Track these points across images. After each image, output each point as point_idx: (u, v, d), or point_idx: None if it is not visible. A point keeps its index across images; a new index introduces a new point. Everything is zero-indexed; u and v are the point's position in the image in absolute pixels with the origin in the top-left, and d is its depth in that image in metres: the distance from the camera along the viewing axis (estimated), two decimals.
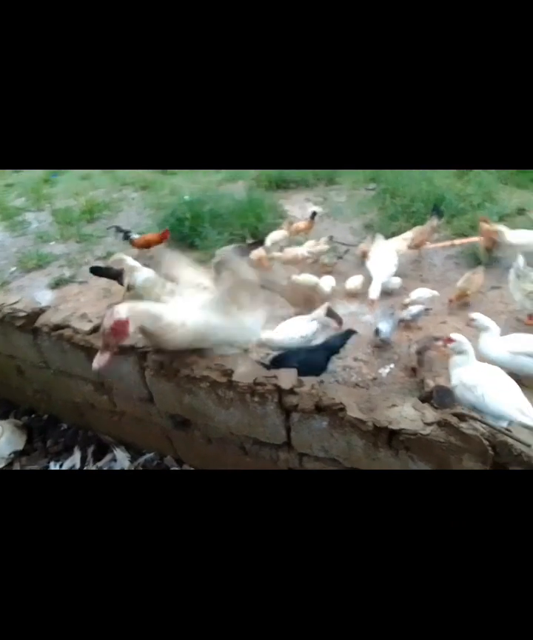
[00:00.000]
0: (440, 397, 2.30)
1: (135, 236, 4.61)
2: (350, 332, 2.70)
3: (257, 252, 4.21)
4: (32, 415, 2.73)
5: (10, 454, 2.50)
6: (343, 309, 3.52)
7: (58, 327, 1.86)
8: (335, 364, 2.84)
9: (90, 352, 1.83)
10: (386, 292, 3.68)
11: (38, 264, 4.92)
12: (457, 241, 4.46)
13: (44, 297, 4.27)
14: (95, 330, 1.76)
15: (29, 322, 1.95)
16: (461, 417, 1.63)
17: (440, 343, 2.33)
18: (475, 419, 1.68)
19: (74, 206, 6.33)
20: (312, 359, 2.17)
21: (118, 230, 4.77)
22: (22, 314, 1.96)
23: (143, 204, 6.30)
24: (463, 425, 1.53)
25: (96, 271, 3.87)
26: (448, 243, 4.48)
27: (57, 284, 4.49)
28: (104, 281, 4.45)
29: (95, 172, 7.88)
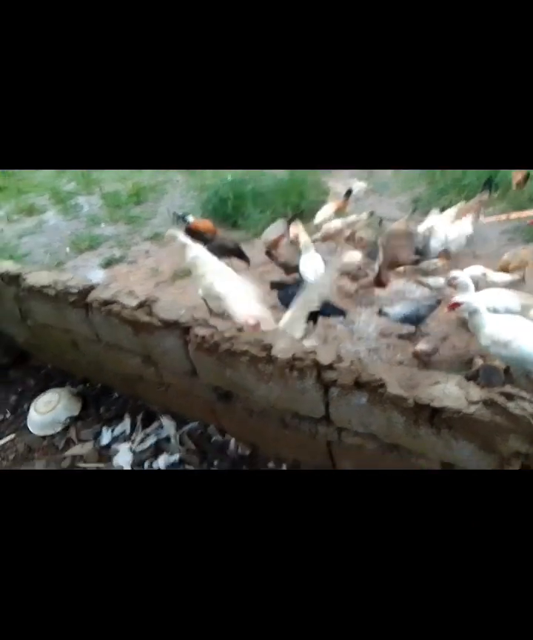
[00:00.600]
0: (488, 375, 2.23)
1: (190, 219, 4.59)
2: (342, 312, 2.94)
3: (294, 229, 4.20)
4: (87, 385, 2.90)
5: (67, 419, 2.68)
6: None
7: (107, 302, 1.95)
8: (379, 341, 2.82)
9: (136, 326, 1.92)
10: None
11: (90, 245, 5.14)
12: (514, 215, 4.20)
13: (96, 276, 4.48)
14: (141, 305, 1.85)
15: (81, 298, 2.06)
16: (509, 396, 1.58)
17: (447, 311, 2.29)
18: (524, 399, 1.63)
19: (122, 189, 6.51)
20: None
21: (175, 215, 4.81)
22: (74, 291, 2.06)
23: (186, 186, 6.38)
24: (511, 405, 1.48)
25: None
26: (503, 216, 4.23)
27: (108, 264, 4.70)
28: (151, 261, 4.61)
29: None
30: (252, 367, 1.63)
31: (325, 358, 1.49)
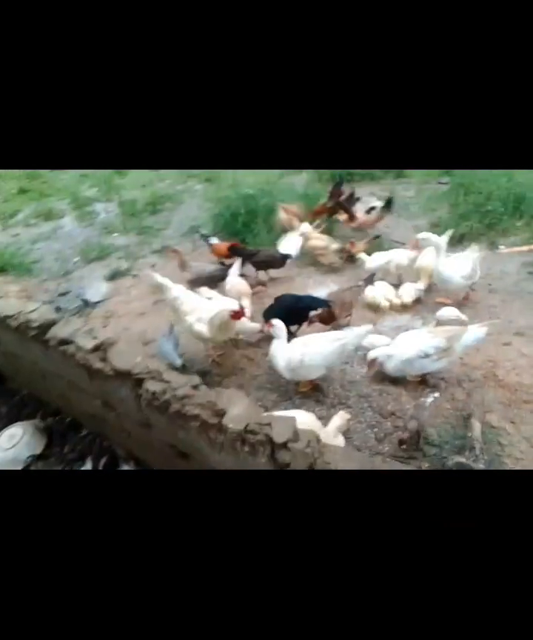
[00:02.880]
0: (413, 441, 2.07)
1: (213, 241, 4.42)
2: (327, 302, 3.01)
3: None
4: (57, 417, 2.82)
5: (28, 457, 2.58)
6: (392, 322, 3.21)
7: (64, 342, 1.84)
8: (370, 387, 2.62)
9: (90, 371, 1.79)
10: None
11: (99, 256, 5.10)
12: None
13: (98, 289, 4.43)
14: (96, 348, 1.72)
15: (41, 333, 1.96)
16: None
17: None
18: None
19: (140, 197, 6.47)
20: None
21: (201, 235, 4.70)
22: (35, 325, 1.97)
23: (204, 197, 6.29)
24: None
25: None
26: (525, 248, 3.95)
27: (113, 276, 4.64)
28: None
29: None
30: (203, 433, 1.48)
31: (280, 435, 1.31)
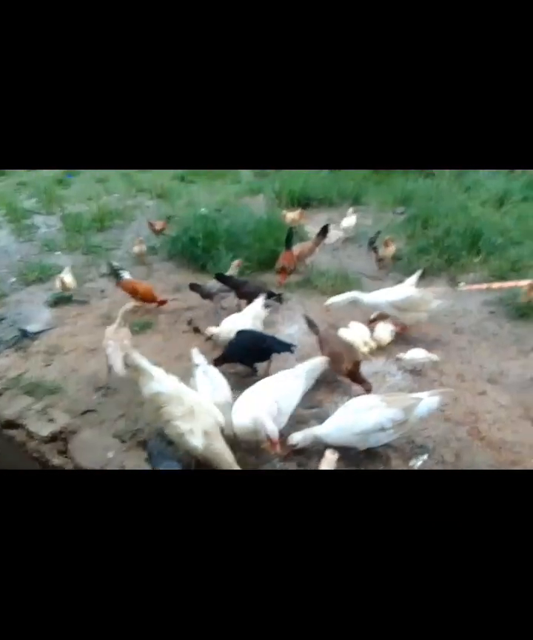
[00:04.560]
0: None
1: (126, 276, 3.92)
2: (291, 346, 2.86)
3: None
4: None
5: None
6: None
7: (11, 424, 1.46)
8: None
9: (45, 467, 1.44)
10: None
11: (39, 277, 4.60)
12: (496, 285, 4.01)
13: (40, 318, 3.96)
14: (54, 438, 1.38)
15: None
16: None
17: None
18: None
19: (85, 211, 6.02)
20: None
21: (111, 267, 4.04)
22: None
23: (157, 214, 5.97)
24: None
25: (193, 287, 3.77)
26: (484, 286, 4.04)
27: (56, 302, 4.18)
28: (106, 304, 4.13)
29: (112, 175, 7.60)
30: None
31: None
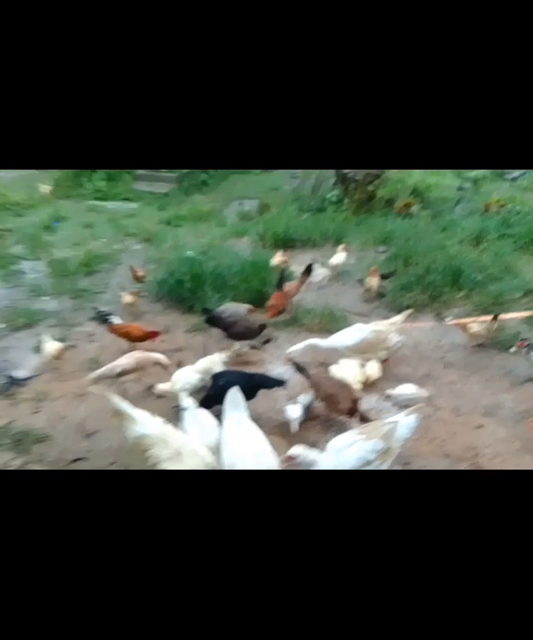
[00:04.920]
0: None
1: (115, 321, 3.84)
2: (282, 382, 2.90)
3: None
4: None
5: None
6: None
7: None
8: None
9: None
10: None
11: (26, 323, 4.57)
12: (481, 319, 4.12)
13: (29, 364, 3.90)
14: None
15: None
16: None
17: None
18: None
19: (72, 256, 6.08)
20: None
21: (98, 313, 3.93)
22: None
23: (144, 257, 6.06)
24: None
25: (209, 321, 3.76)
26: (468, 320, 4.14)
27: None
28: (94, 348, 4.11)
29: (98, 221, 7.76)
30: None
31: None
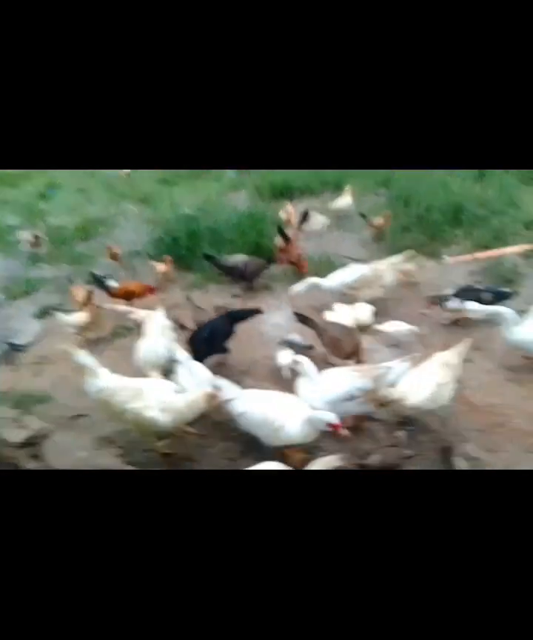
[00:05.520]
0: None
1: (112, 284, 3.81)
2: (257, 311, 2.96)
3: None
4: None
5: None
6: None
7: None
8: None
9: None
10: None
11: (25, 291, 4.61)
12: (481, 255, 3.97)
13: (30, 330, 3.97)
14: (26, 444, 1.36)
15: None
16: None
17: None
18: None
19: (68, 223, 6.03)
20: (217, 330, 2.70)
21: (94, 277, 3.90)
22: None
23: (141, 219, 5.96)
24: None
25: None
26: (469, 257, 4.00)
27: (43, 314, 4.18)
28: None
29: (93, 186, 7.60)
30: None
31: None
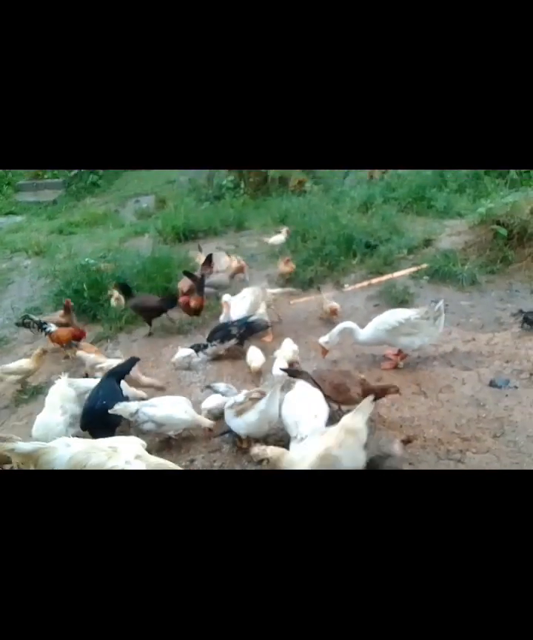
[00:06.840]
0: None
1: (52, 329, 3.78)
2: (134, 360, 3.01)
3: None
4: None
5: None
6: None
7: None
8: None
9: None
10: None
11: None
12: (374, 280, 4.34)
13: None
14: None
15: None
16: None
17: None
18: None
19: None
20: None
21: (30, 321, 3.86)
22: None
23: (37, 273, 5.67)
24: None
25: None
26: (365, 283, 4.35)
27: None
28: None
29: None
30: None
31: None
